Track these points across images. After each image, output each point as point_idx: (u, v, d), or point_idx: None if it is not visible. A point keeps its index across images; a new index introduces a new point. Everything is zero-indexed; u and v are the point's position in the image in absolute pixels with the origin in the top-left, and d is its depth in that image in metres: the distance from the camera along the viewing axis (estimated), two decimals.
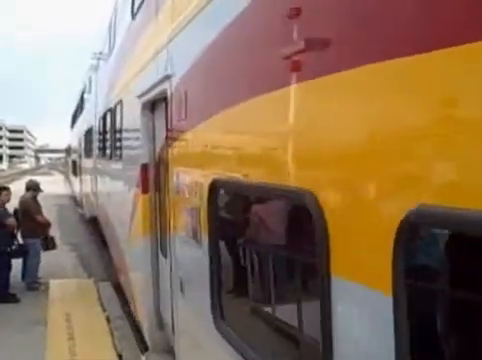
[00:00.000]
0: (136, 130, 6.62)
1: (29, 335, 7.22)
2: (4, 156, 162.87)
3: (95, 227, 14.47)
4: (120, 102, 8.39)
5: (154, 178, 6.03)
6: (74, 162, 27.87)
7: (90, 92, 18.06)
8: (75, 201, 25.84)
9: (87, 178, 17.14)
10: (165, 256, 5.52)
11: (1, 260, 9.17)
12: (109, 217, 10.32)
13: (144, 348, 6.58)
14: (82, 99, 23.23)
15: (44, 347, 6.77)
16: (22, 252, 9.80)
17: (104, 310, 8.43)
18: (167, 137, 4.89)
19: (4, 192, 9.74)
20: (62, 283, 10.18)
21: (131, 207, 6.90)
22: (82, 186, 20.45)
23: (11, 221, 9.54)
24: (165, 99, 4.92)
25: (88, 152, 17.26)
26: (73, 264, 12.19)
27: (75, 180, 26.11)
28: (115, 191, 9.42)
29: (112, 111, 9.61)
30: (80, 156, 22.12)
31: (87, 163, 17.75)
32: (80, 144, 22.16)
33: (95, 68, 15.20)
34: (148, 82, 5.57)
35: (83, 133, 20.13)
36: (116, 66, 9.61)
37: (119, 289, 9.24)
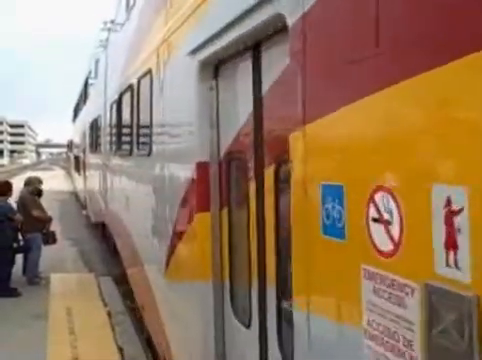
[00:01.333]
0: (182, 109, 4.42)
1: (30, 329, 7.20)
2: (5, 151, 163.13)
3: (103, 231, 13.13)
4: (148, 73, 5.93)
5: (219, 187, 3.84)
6: (77, 158, 26.37)
7: (97, 76, 15.09)
8: (77, 198, 25.44)
9: (93, 177, 14.87)
10: (245, 324, 3.47)
11: (5, 255, 9.15)
12: (127, 233, 7.77)
13: (146, 342, 6.58)
14: (86, 86, 20.66)
15: (45, 341, 6.75)
16: (26, 248, 9.82)
17: (105, 305, 8.41)
18: (281, 112, 2.85)
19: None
20: (63, 277, 10.16)
21: (169, 228, 4.75)
22: (86, 185, 18.14)
23: (19, 216, 9.59)
24: (258, 45, 3.08)
25: (95, 146, 14.80)
26: (74, 259, 12.19)
27: (78, 177, 24.67)
28: (138, 199, 6.86)
29: (133, 89, 7.14)
30: (84, 151, 19.81)
31: (93, 159, 15.35)
32: (84, 137, 19.78)
33: (104, 44, 12.30)
34: (218, 21, 3.26)
35: (88, 125, 17.41)
36: (140, 26, 7.03)
37: (120, 283, 9.23)
